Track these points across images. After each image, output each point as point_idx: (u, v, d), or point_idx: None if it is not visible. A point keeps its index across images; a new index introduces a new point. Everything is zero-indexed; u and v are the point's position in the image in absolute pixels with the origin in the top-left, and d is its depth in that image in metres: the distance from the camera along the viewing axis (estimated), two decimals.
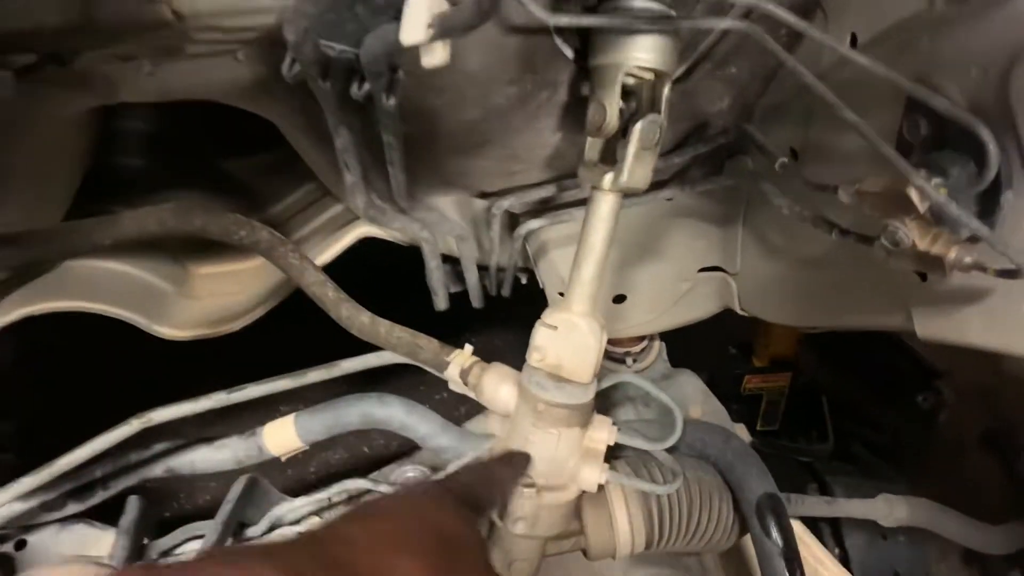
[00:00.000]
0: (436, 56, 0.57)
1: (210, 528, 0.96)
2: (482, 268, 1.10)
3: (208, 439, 1.07)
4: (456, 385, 0.94)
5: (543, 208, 0.99)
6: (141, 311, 1.11)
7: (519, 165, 0.93)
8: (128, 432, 0.88)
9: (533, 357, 0.84)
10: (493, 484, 0.77)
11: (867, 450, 1.48)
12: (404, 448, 1.27)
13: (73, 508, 1.02)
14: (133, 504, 1.00)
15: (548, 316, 0.83)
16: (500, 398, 0.88)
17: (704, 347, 1.45)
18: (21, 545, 1.04)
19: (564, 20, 0.63)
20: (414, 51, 0.58)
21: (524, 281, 1.17)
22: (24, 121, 0.88)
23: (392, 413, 1.03)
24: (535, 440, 0.85)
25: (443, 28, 0.55)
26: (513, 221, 1.02)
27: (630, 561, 1.07)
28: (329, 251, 1.10)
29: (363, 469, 1.14)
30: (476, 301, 1.11)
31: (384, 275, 1.43)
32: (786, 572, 0.88)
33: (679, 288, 1.12)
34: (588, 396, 0.84)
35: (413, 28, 0.56)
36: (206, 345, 1.16)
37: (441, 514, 0.60)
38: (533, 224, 0.95)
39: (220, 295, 1.18)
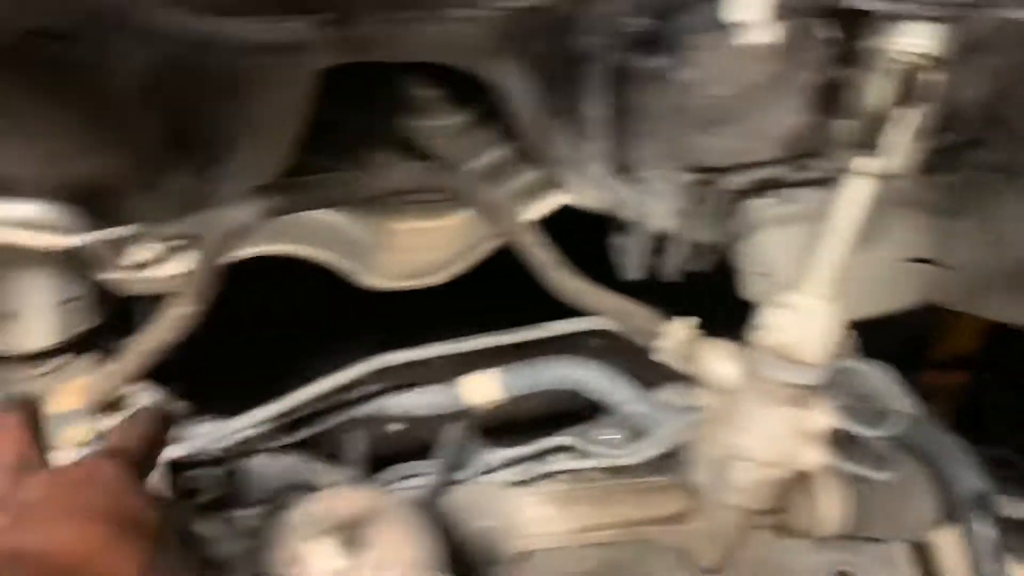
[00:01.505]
0: (766, 34, 0.58)
1: (425, 467, 1.01)
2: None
3: (408, 386, 1.11)
4: (664, 354, 0.96)
5: (764, 187, 0.99)
6: (348, 260, 1.17)
7: (751, 143, 0.93)
8: (363, 371, 0.93)
9: (763, 336, 0.85)
10: (153, 446, 0.76)
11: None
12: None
13: (284, 440, 1.09)
14: (358, 439, 1.05)
15: (783, 296, 0.84)
16: (719, 373, 0.90)
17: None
18: (231, 472, 1.10)
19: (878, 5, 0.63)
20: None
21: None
22: (286, 73, 0.93)
23: (592, 376, 1.06)
24: (758, 418, 0.86)
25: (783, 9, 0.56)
26: (725, 198, 1.03)
27: (812, 545, 1.08)
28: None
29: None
30: (674, 275, 1.12)
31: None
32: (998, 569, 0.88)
33: (881, 276, 1.11)
34: (817, 378, 0.84)
35: (747, 7, 0.57)
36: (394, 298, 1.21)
37: (115, 484, 0.64)
38: (758, 202, 0.96)
39: (420, 250, 1.22)
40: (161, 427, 0.76)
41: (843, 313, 0.83)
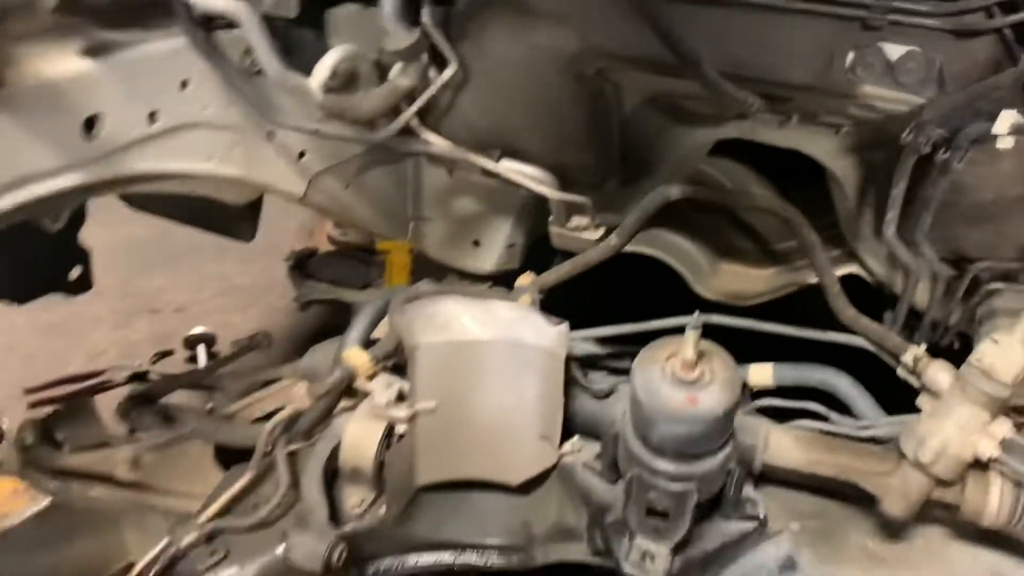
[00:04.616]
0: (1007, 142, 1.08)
1: None
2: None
3: None
4: (903, 368, 1.40)
5: (1005, 278, 1.43)
6: (688, 272, 1.73)
7: (1001, 241, 1.38)
8: (690, 321, 1.42)
9: (976, 359, 1.27)
10: None
11: None
12: None
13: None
14: None
15: (996, 334, 1.27)
16: (938, 380, 1.33)
17: None
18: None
19: None
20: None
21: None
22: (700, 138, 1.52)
23: (844, 385, 1.50)
24: (958, 412, 1.27)
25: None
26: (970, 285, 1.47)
27: (976, 546, 1.40)
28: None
29: None
30: (922, 339, 1.55)
31: None
32: None
33: None
34: (1004, 393, 1.25)
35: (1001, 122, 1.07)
36: None
37: None
38: (998, 286, 1.40)
39: (737, 284, 1.76)
40: None
41: None
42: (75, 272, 1.50)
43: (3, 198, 1.02)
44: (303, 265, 2.60)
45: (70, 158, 1.07)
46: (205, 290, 3.19)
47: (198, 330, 2.71)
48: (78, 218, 1.38)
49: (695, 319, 1.10)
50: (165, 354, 1.98)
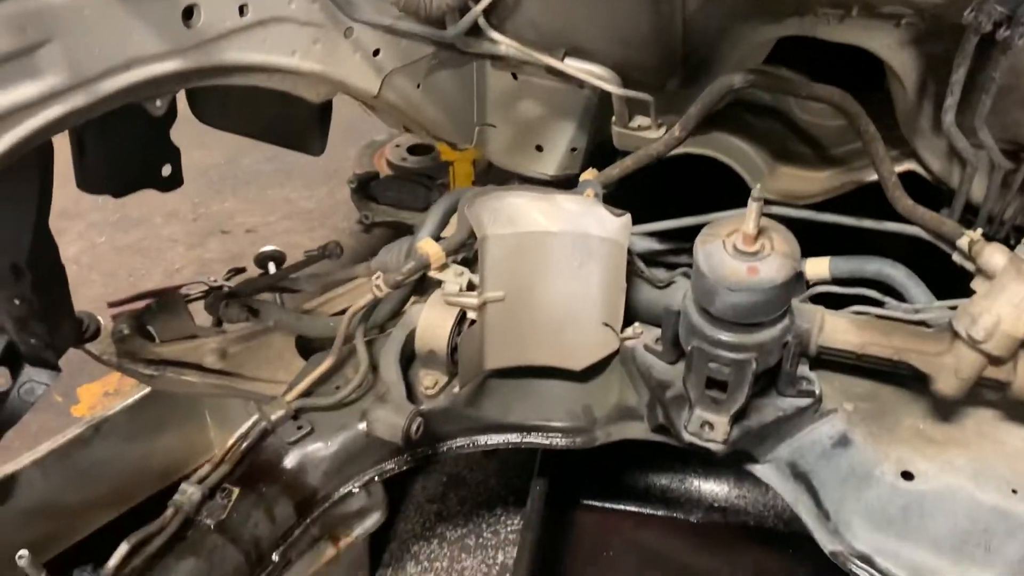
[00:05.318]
0: None
1: None
2: None
3: None
4: (959, 254, 1.43)
5: None
6: (746, 172, 1.77)
7: None
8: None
9: None
10: None
11: None
12: None
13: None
14: None
15: None
16: (993, 262, 1.36)
17: None
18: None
19: None
20: None
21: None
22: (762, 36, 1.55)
23: (899, 275, 1.54)
24: (1011, 291, 1.31)
25: None
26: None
27: None
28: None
29: None
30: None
31: None
32: None
33: None
34: None
35: None
36: None
37: None
38: None
39: (794, 185, 1.80)
40: None
41: None
42: (167, 169, 1.60)
43: (114, 79, 1.11)
44: (366, 188, 2.68)
45: (172, 44, 1.15)
46: (272, 213, 3.32)
47: (268, 248, 2.83)
48: (170, 116, 1.47)
49: (756, 190, 1.15)
50: (238, 271, 2.09)
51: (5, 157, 1.02)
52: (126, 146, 1.48)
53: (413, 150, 3.26)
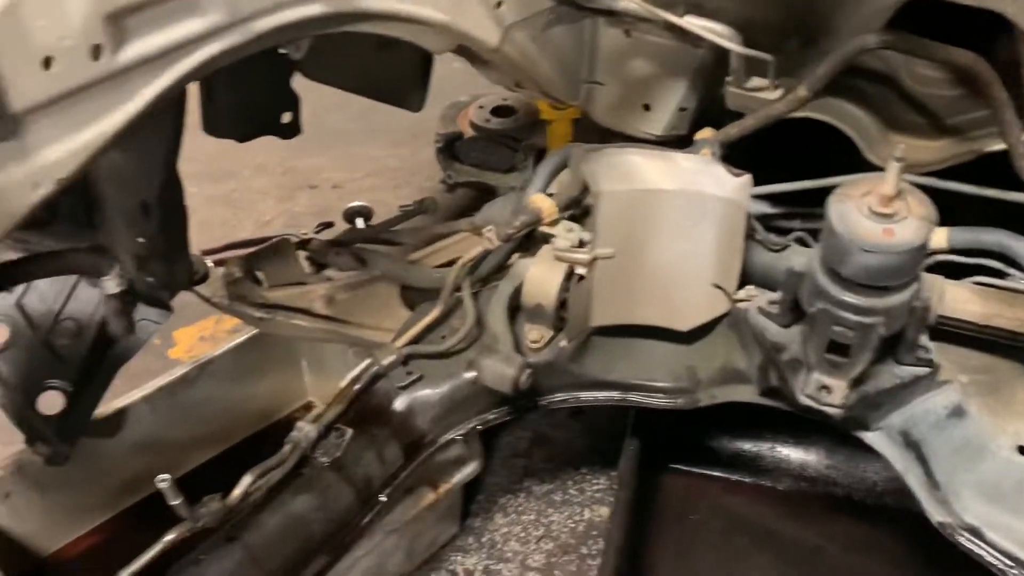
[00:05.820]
0: None
1: None
2: None
3: None
4: None
5: None
6: (860, 139, 1.74)
7: None
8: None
9: None
10: None
11: None
12: None
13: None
14: None
15: None
16: None
17: None
18: None
19: None
20: None
21: None
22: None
23: (1019, 246, 1.50)
24: None
25: None
26: None
27: None
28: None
29: None
30: None
31: None
32: None
33: None
34: None
35: None
36: None
37: None
38: None
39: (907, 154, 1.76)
40: None
41: None
42: (287, 117, 1.63)
43: (266, 19, 1.13)
44: (450, 148, 2.69)
45: None
46: (358, 170, 3.36)
47: (356, 204, 2.87)
48: (296, 63, 1.49)
49: (899, 150, 1.13)
50: (327, 225, 2.12)
51: (166, 93, 1.05)
52: (253, 92, 1.51)
53: (497, 111, 3.25)
